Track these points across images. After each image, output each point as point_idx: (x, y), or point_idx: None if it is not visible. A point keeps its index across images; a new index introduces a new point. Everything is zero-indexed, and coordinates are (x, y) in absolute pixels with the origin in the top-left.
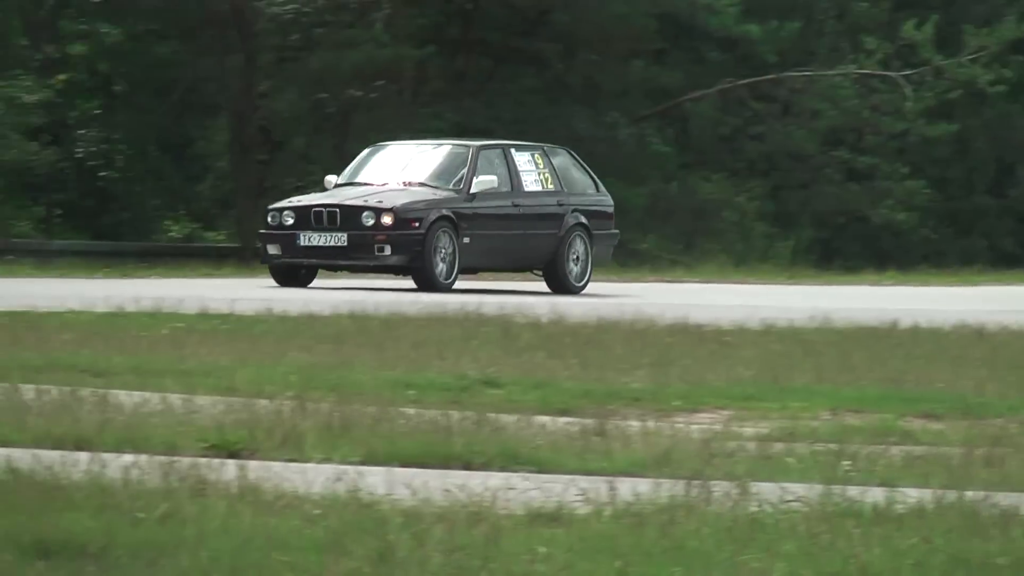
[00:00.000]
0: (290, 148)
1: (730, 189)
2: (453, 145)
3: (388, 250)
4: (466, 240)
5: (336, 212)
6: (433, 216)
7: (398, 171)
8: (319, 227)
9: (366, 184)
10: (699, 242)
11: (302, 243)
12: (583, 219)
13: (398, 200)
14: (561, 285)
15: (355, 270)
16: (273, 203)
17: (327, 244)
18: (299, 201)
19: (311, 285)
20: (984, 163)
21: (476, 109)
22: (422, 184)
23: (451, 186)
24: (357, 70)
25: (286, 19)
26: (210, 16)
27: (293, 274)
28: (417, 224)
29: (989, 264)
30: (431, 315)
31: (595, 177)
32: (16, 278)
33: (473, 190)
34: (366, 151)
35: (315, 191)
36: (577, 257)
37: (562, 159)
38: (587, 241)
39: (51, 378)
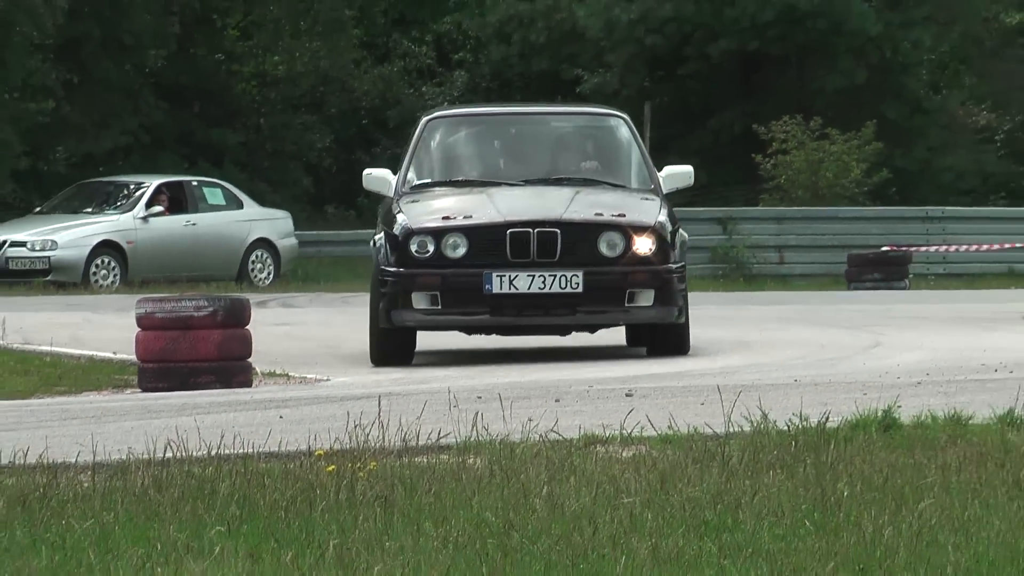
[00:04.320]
0: None
1: None
2: (597, 115)
3: (649, 297)
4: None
5: (556, 234)
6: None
7: (512, 161)
8: (521, 260)
9: (464, 186)
10: None
11: (494, 288)
12: None
13: (644, 211)
14: None
15: (580, 329)
16: (412, 222)
17: (547, 290)
18: (471, 218)
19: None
20: None
21: None
22: (592, 182)
23: (635, 184)
24: None
25: None
26: None
27: (404, 345)
28: (675, 252)
29: None
30: None
31: None
32: None
33: (666, 189)
34: (424, 123)
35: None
36: None
37: None
38: None
39: None
